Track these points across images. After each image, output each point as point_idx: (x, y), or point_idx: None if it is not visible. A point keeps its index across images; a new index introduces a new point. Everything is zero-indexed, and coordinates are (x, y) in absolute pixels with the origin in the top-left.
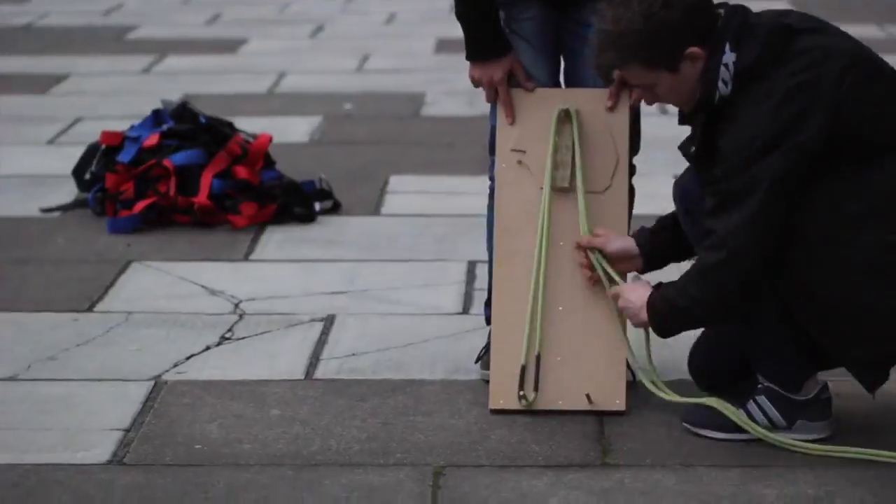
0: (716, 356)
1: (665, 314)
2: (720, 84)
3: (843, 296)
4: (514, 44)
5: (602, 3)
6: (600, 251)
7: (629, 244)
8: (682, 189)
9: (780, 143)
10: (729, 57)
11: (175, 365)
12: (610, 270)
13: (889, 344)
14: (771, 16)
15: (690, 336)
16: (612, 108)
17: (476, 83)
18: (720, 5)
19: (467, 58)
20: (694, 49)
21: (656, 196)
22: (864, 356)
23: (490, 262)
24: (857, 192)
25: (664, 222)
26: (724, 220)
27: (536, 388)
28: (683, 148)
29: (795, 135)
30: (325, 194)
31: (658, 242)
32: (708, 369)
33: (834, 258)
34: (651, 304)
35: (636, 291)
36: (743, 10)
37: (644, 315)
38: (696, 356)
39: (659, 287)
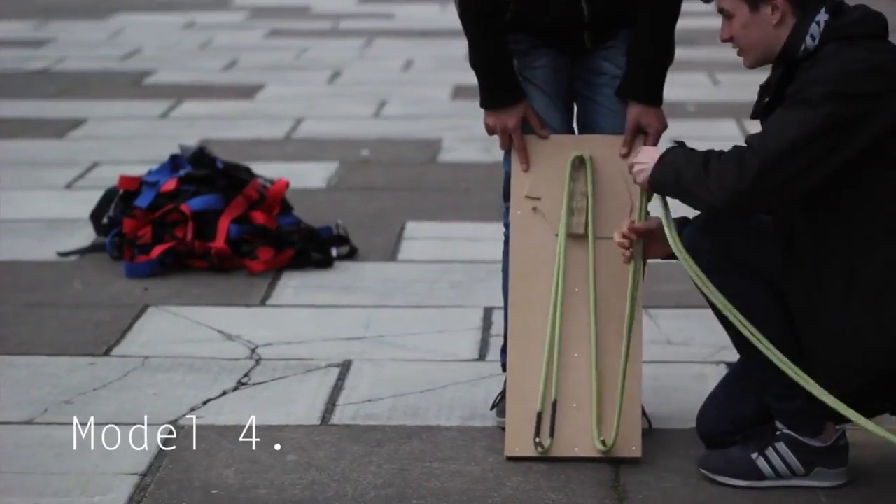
0: (725, 413)
1: (671, 166)
2: (808, 38)
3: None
4: (528, 91)
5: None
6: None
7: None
8: None
9: (857, 101)
10: (822, 16)
11: (192, 409)
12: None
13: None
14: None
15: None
16: (625, 156)
17: (490, 131)
18: None
19: (482, 105)
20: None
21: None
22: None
23: (505, 308)
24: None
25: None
26: (768, 136)
27: (552, 435)
28: (758, 103)
29: (876, 103)
30: (342, 240)
31: None
32: (717, 426)
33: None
34: (665, 154)
35: (648, 152)
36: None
37: (638, 178)
38: (706, 416)
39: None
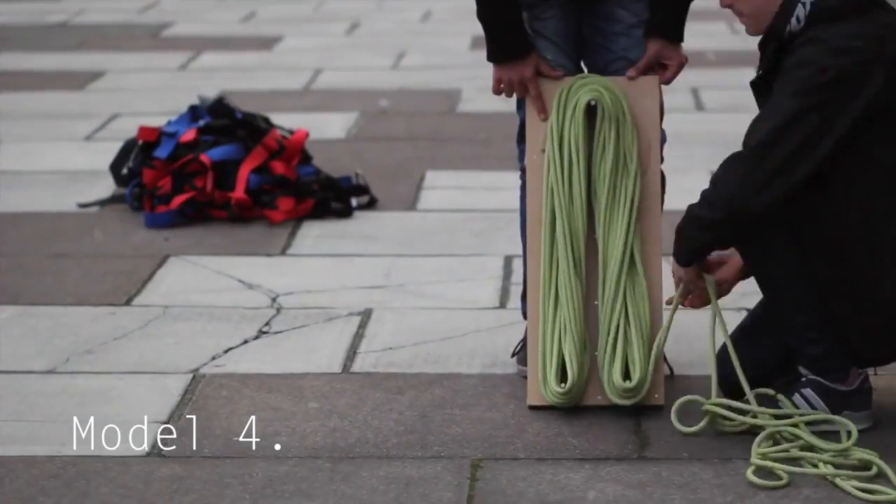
0: (744, 359)
1: (681, 228)
2: (793, 20)
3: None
4: (537, 43)
5: None
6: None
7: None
8: None
9: (843, 82)
10: None
11: (213, 358)
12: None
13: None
14: None
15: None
16: (632, 78)
17: (501, 84)
18: None
19: (491, 59)
20: None
21: (694, 191)
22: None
23: (525, 254)
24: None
25: None
26: (761, 126)
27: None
28: (754, 78)
29: (857, 81)
30: (362, 190)
31: None
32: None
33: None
34: (677, 228)
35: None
36: None
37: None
38: (725, 362)
39: None
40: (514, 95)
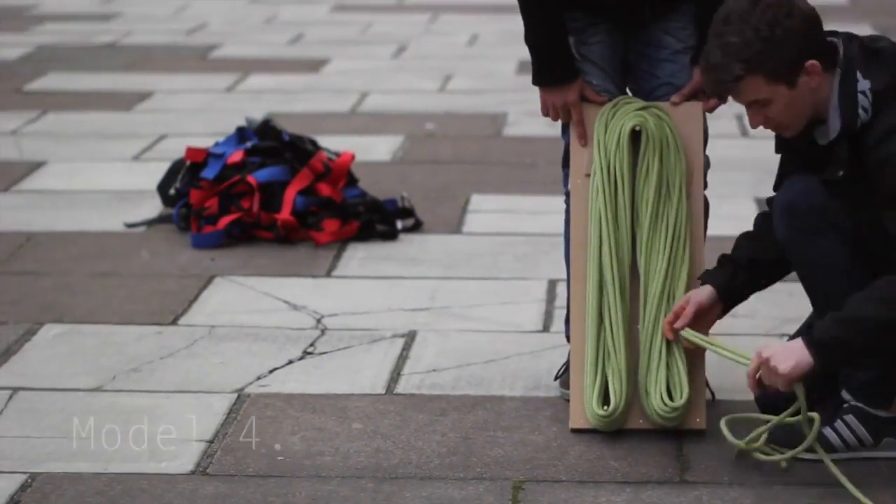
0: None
1: (834, 345)
2: (860, 111)
3: None
4: (584, 68)
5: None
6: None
7: (703, 297)
8: (787, 205)
9: None
10: (864, 84)
11: (258, 378)
12: (730, 353)
13: None
14: (886, 41)
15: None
16: (676, 104)
17: (547, 108)
18: (830, 32)
19: (536, 83)
20: (813, 62)
21: (738, 217)
22: None
23: (568, 278)
24: None
25: (736, 264)
26: None
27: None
28: (829, 174)
29: None
30: (407, 212)
31: (736, 287)
32: (776, 397)
33: None
34: (813, 344)
35: (786, 351)
36: (856, 36)
37: (794, 374)
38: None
39: (808, 334)
40: (560, 120)
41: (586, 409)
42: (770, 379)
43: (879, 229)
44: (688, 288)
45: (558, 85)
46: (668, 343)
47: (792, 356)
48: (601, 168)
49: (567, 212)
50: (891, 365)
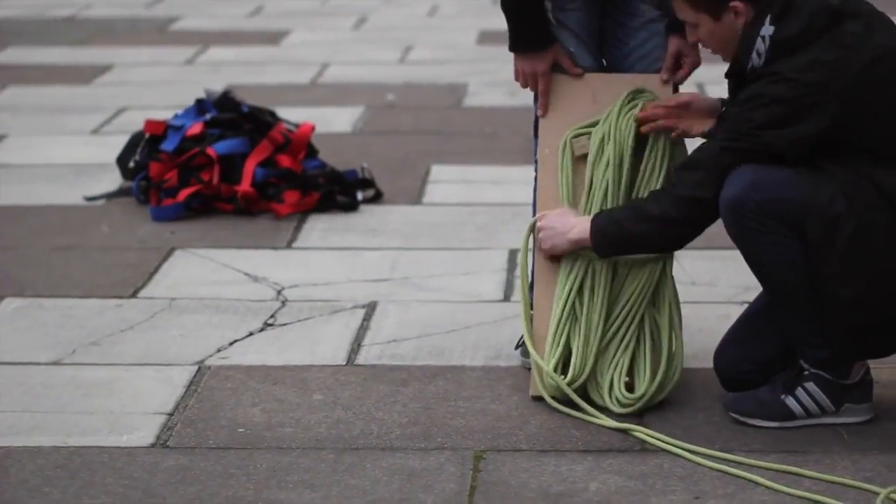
0: (745, 352)
1: (611, 232)
2: (754, 55)
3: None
4: (560, 34)
5: None
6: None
7: (705, 102)
8: (731, 204)
9: (789, 118)
10: (767, 30)
11: (218, 350)
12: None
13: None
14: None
15: (720, 333)
16: (666, 81)
17: (519, 75)
18: None
19: (511, 49)
20: (737, 4)
21: None
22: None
23: (534, 246)
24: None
25: None
26: (709, 161)
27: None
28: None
29: (806, 116)
30: (368, 183)
31: None
32: (735, 366)
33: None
34: (596, 223)
35: (562, 217)
36: None
37: (565, 241)
38: (725, 355)
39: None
40: (533, 93)
41: (544, 376)
42: (552, 240)
43: None
44: (668, 276)
45: (531, 52)
46: (641, 327)
47: (577, 224)
48: (614, 153)
49: (536, 179)
50: (841, 344)
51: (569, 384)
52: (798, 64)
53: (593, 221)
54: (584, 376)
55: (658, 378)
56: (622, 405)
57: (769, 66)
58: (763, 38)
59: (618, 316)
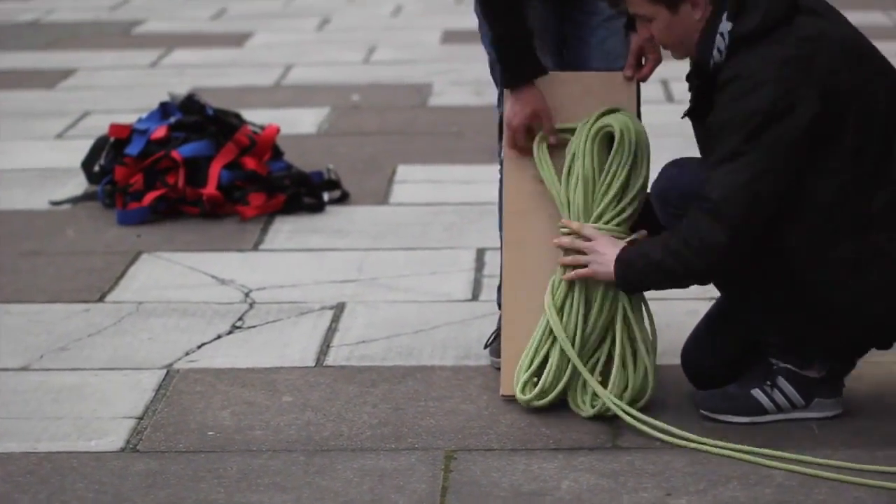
0: (710, 349)
1: (636, 266)
2: (715, 52)
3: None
4: None
5: None
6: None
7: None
8: (659, 194)
9: (774, 119)
10: (725, 26)
11: (186, 353)
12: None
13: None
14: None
15: (688, 328)
16: (630, 78)
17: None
18: None
19: (509, 83)
20: None
21: None
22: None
23: (501, 245)
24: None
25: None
26: (720, 185)
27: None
28: (686, 112)
29: (789, 112)
30: (334, 184)
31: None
32: (703, 363)
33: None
34: (621, 256)
35: (612, 246)
36: None
37: (610, 273)
38: (691, 353)
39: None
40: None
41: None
42: (596, 267)
43: None
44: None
45: (526, 83)
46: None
47: (603, 263)
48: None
49: (501, 181)
50: (796, 328)
51: (542, 394)
52: (765, 59)
53: (619, 255)
54: (557, 389)
55: (629, 394)
56: (594, 407)
57: (731, 60)
58: (722, 34)
59: (593, 329)
